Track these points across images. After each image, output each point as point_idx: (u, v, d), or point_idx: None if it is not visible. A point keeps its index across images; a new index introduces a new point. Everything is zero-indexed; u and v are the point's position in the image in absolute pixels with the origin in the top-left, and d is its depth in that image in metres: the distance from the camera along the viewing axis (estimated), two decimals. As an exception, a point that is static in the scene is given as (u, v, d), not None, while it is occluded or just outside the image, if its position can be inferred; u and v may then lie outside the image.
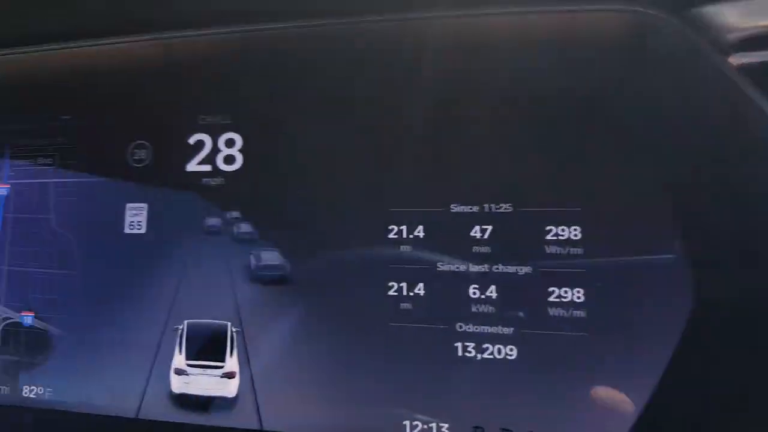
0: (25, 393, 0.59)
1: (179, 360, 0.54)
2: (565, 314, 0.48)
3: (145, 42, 0.58)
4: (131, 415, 0.55)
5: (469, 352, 0.49)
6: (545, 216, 0.49)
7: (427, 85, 0.51)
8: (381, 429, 0.50)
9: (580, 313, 0.48)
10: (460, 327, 0.50)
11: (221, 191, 0.56)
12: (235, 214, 0.56)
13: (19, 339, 0.59)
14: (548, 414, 0.47)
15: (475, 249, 0.50)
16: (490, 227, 0.50)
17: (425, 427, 0.50)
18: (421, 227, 0.51)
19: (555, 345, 0.48)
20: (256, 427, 0.52)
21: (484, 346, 0.49)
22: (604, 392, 0.46)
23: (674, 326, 0.45)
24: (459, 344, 0.49)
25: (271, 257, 0.54)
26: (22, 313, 0.60)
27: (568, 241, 0.48)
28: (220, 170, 0.57)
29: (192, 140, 0.58)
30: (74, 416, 0.56)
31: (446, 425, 0.49)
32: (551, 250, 0.48)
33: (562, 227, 0.48)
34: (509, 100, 0.51)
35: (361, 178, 0.53)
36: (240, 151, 0.56)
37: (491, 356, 0.49)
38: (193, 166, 0.57)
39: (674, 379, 0.45)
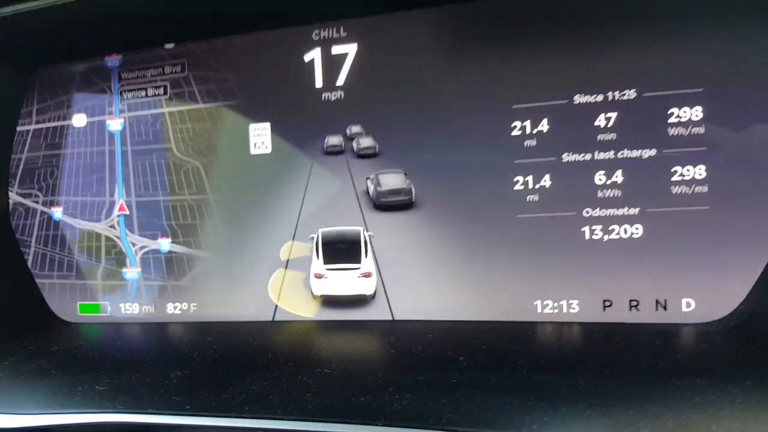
0: (170, 310, 0.64)
1: (318, 265, 0.59)
2: (688, 191, 0.51)
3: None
4: (267, 318, 0.60)
5: (596, 234, 0.53)
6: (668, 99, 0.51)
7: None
8: (513, 312, 0.54)
9: (702, 189, 0.51)
10: (587, 212, 0.53)
11: (341, 106, 0.59)
12: (355, 128, 0.58)
13: (159, 263, 0.64)
14: (673, 283, 0.51)
15: (600, 137, 0.52)
16: (614, 114, 0.52)
17: (556, 305, 0.54)
18: (544, 120, 0.53)
19: (678, 220, 0.51)
20: (388, 318, 0.57)
21: (611, 227, 0.53)
22: None
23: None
24: (586, 228, 0.53)
25: (394, 180, 0.57)
26: (159, 239, 0.64)
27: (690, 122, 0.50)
28: (336, 85, 0.59)
29: (307, 57, 0.59)
30: (218, 325, 0.61)
31: (576, 301, 0.53)
32: (673, 131, 0.51)
33: (684, 109, 0.50)
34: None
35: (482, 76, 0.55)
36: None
37: (618, 236, 0.52)
38: (308, 83, 0.59)
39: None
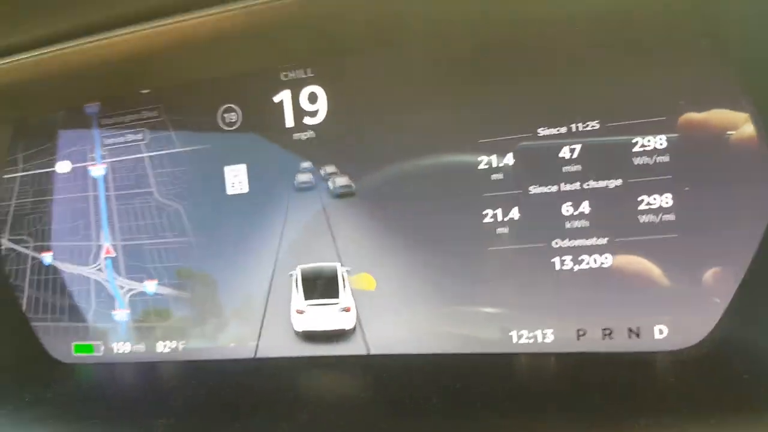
0: (160, 349, 0.65)
1: (298, 301, 0.60)
2: (655, 219, 0.51)
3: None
4: (249, 355, 0.62)
5: (567, 265, 0.54)
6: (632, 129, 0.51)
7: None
8: (488, 343, 0.55)
9: (669, 217, 0.51)
10: (557, 243, 0.54)
11: (312, 145, 0.60)
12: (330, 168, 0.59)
13: (146, 305, 0.66)
14: (645, 312, 0.52)
15: (566, 169, 0.53)
16: (578, 146, 0.52)
17: (531, 335, 0.55)
18: (510, 154, 0.54)
19: (647, 249, 0.51)
20: (364, 353, 0.59)
21: (581, 258, 0.53)
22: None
23: (761, 219, 0.49)
24: (556, 259, 0.54)
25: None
26: (145, 282, 0.65)
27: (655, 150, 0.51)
28: (306, 125, 0.60)
29: (276, 98, 0.60)
30: (203, 364, 0.63)
31: (550, 331, 0.54)
32: (639, 161, 0.51)
33: (648, 138, 0.51)
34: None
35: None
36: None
37: (588, 266, 0.53)
38: (279, 124, 0.60)
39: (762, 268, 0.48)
